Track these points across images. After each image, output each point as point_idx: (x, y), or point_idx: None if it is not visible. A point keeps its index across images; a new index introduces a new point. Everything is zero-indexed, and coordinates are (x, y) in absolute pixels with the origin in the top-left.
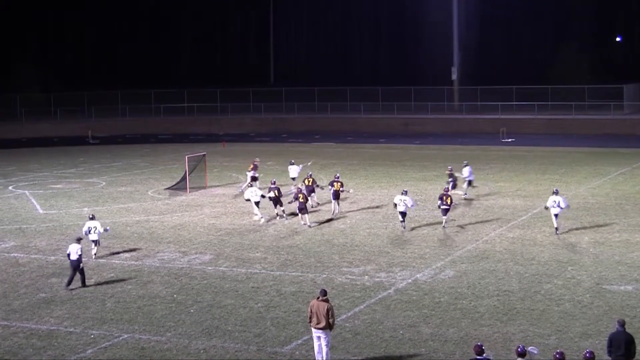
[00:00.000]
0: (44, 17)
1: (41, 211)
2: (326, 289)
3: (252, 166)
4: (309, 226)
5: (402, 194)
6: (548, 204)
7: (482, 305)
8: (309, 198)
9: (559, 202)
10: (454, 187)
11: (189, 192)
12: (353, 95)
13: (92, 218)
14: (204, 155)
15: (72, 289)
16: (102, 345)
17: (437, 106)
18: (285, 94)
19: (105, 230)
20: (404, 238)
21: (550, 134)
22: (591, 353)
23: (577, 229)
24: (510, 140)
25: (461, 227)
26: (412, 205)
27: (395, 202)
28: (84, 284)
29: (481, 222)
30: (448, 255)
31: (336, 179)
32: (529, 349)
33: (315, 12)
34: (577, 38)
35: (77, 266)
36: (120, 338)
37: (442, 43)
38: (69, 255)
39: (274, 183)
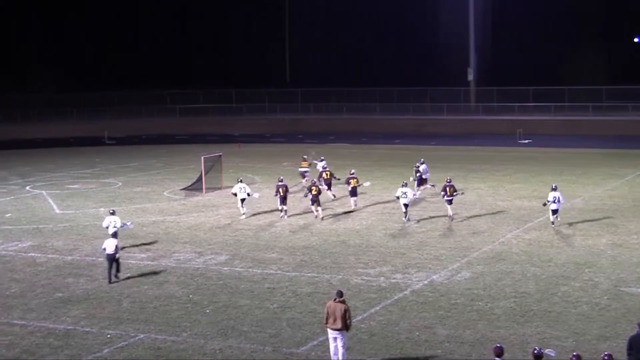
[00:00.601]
0: (60, 17)
1: (58, 211)
2: (342, 290)
3: (303, 162)
4: (322, 218)
5: (403, 186)
6: (549, 199)
7: (498, 307)
8: (324, 191)
9: (558, 198)
10: (419, 183)
11: (205, 192)
12: (368, 96)
13: (113, 213)
14: (220, 155)
15: (116, 280)
16: (118, 345)
17: (453, 107)
18: (301, 95)
19: (123, 225)
20: (420, 239)
21: (567, 135)
22: (609, 356)
23: (594, 230)
24: (526, 141)
25: (467, 218)
26: (414, 196)
27: (397, 195)
28: (118, 272)
29: (497, 223)
30: (464, 257)
31: (351, 176)
32: (546, 351)
33: (331, 12)
34: (591, 39)
35: (112, 259)
36: (137, 338)
37: (457, 44)
38: (104, 249)
39: (282, 180)
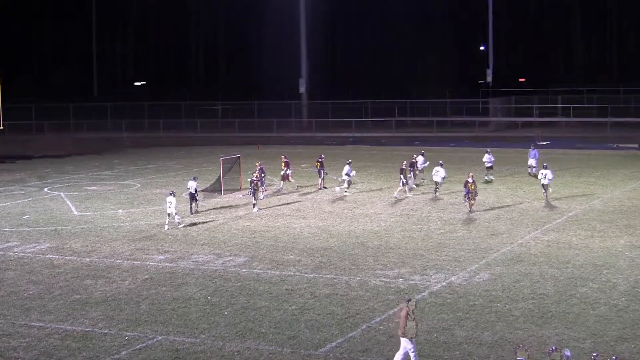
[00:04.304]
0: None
1: (76, 213)
2: (410, 297)
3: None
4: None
5: (439, 165)
6: (539, 177)
7: (517, 309)
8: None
9: (546, 174)
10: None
11: (224, 194)
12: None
13: (172, 194)
14: (239, 157)
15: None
16: (136, 347)
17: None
18: (315, 107)
19: (177, 214)
20: (439, 241)
21: (585, 137)
22: None
23: (612, 232)
24: (545, 142)
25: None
26: (422, 164)
27: (433, 173)
28: (196, 212)
29: (516, 225)
30: (483, 259)
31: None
32: (563, 351)
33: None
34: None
35: (194, 197)
36: (155, 340)
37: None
38: (189, 188)
39: (260, 165)
